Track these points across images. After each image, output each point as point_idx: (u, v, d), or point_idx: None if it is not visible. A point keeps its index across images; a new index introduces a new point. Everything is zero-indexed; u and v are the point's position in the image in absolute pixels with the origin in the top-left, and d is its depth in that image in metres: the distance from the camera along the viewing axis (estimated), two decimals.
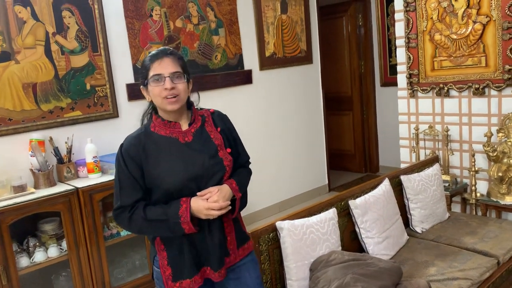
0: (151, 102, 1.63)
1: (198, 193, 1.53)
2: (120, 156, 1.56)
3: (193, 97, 1.68)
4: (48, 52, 2.99)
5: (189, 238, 1.56)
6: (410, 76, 3.60)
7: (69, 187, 2.82)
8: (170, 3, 3.62)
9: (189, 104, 1.65)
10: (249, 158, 1.79)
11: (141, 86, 1.60)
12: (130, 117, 3.42)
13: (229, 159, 1.61)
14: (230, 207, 1.56)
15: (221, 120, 1.69)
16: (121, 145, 1.58)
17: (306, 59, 4.73)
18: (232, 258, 1.64)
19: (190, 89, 1.62)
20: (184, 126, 1.60)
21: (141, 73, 1.58)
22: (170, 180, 1.52)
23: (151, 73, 1.52)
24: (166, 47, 1.62)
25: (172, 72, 1.51)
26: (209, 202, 1.50)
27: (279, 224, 2.05)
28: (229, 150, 1.63)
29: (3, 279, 2.51)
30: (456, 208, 3.45)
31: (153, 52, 1.57)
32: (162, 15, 3.58)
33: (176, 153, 1.55)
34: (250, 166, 1.82)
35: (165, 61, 1.52)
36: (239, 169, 1.71)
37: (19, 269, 2.62)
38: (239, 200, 1.61)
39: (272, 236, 2.06)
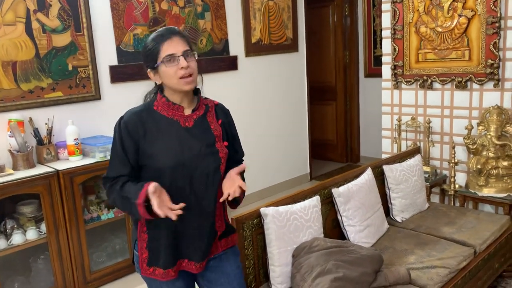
0: (157, 86, 1.60)
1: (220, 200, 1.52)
2: (117, 128, 1.55)
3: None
4: (29, 30, 2.90)
5: (169, 225, 1.51)
6: (394, 68, 3.63)
7: (49, 169, 2.76)
8: None
9: (195, 90, 1.62)
10: (244, 155, 1.79)
11: (149, 70, 1.56)
12: (113, 100, 3.36)
13: (224, 152, 1.61)
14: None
15: (223, 113, 1.68)
16: (121, 118, 1.56)
17: (292, 47, 4.72)
18: (214, 249, 1.64)
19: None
20: (187, 111, 1.59)
21: (147, 56, 1.53)
22: (164, 159, 1.51)
23: (163, 54, 1.49)
24: (170, 26, 1.59)
25: (184, 51, 1.50)
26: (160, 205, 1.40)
27: (263, 210, 2.05)
28: (226, 143, 1.63)
29: None
30: (435, 198, 3.52)
31: (158, 33, 1.53)
32: None
33: (175, 135, 1.54)
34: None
35: (174, 40, 1.50)
36: (234, 165, 1.66)
37: None
38: (241, 201, 1.64)
39: (256, 222, 2.06)
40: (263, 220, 2.05)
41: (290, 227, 2.09)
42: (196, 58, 1.56)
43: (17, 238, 2.68)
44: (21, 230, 2.72)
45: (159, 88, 1.61)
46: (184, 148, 1.52)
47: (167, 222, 1.47)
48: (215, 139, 1.59)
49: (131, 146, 1.52)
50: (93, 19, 3.22)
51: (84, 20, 3.14)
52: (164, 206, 1.40)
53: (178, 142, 1.53)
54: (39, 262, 2.86)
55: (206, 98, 1.68)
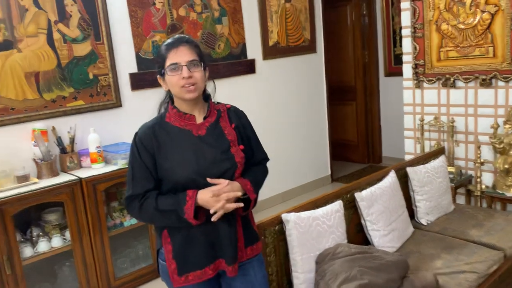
0: (168, 92, 1.61)
1: (208, 180, 1.50)
2: (134, 144, 1.56)
3: (209, 87, 1.66)
4: (50, 41, 2.95)
5: (200, 228, 1.54)
6: (415, 67, 3.56)
7: (72, 177, 2.80)
8: None
9: (205, 97, 1.62)
10: (266, 155, 1.76)
11: (158, 76, 1.58)
12: (134, 107, 3.39)
13: (241, 156, 1.59)
14: (242, 204, 1.53)
15: (236, 116, 1.66)
16: (136, 134, 1.58)
17: (309, 48, 4.68)
18: (239, 256, 1.62)
19: (207, 77, 1.60)
20: (199, 119, 1.59)
21: (157, 62, 1.57)
22: (180, 172, 1.51)
23: (167, 62, 1.51)
24: (182, 35, 1.60)
25: (189, 61, 1.51)
26: (216, 202, 1.48)
27: (285, 216, 2.03)
28: (241, 147, 1.61)
29: (7, 269, 2.51)
30: (461, 200, 3.43)
31: (169, 40, 1.56)
32: (165, 3, 3.53)
33: (188, 145, 1.54)
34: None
35: (181, 49, 1.51)
36: (254, 167, 1.68)
37: (23, 259, 2.62)
38: (254, 202, 1.60)
39: (278, 228, 2.04)
40: (285, 227, 2.03)
41: (312, 233, 2.06)
42: (203, 68, 1.55)
43: (42, 246, 2.72)
44: (47, 238, 2.76)
45: (170, 98, 1.62)
46: (199, 158, 1.52)
47: (197, 227, 1.51)
48: (230, 144, 1.58)
49: (150, 160, 1.53)
50: (112, 28, 3.25)
51: (103, 29, 3.17)
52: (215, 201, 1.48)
53: (192, 152, 1.52)
54: (65, 269, 2.90)
55: (218, 103, 1.67)
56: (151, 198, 1.52)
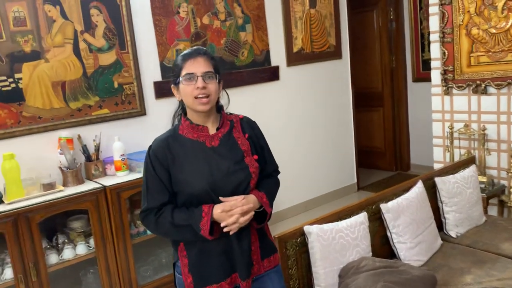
0: (181, 102, 1.61)
1: (222, 198, 1.49)
2: (148, 158, 1.56)
3: (223, 100, 1.65)
4: (76, 50, 3.00)
5: (216, 242, 1.53)
6: (444, 73, 3.45)
7: (97, 185, 2.83)
8: None
9: (218, 108, 1.62)
10: (277, 167, 1.75)
11: (172, 85, 1.59)
12: (158, 115, 3.41)
13: (255, 166, 1.57)
14: (253, 213, 1.51)
15: (249, 127, 1.65)
16: (150, 147, 1.58)
17: (335, 54, 4.62)
18: (256, 269, 1.59)
19: (220, 89, 1.60)
20: (212, 130, 1.58)
21: (173, 71, 1.58)
22: (194, 184, 1.50)
23: (183, 72, 1.51)
24: (200, 46, 1.61)
25: (204, 72, 1.51)
26: (229, 216, 1.47)
27: (307, 228, 1.98)
28: (255, 157, 1.60)
29: (32, 276, 2.55)
30: (493, 211, 3.30)
31: (186, 51, 1.57)
32: (189, 12, 3.55)
33: (202, 157, 1.53)
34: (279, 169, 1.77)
35: (198, 60, 1.52)
36: (266, 179, 1.67)
37: (48, 266, 2.65)
38: (270, 215, 1.58)
39: (300, 240, 2.00)
40: (307, 239, 1.98)
41: (336, 246, 2.01)
42: (217, 81, 1.55)
43: (67, 253, 2.75)
44: (72, 245, 2.80)
45: (183, 109, 1.62)
46: (212, 169, 1.51)
47: (213, 240, 1.50)
48: (243, 154, 1.56)
49: (164, 174, 1.52)
50: (137, 37, 3.29)
51: (128, 38, 3.21)
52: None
53: (206, 164, 1.51)
54: (89, 276, 2.93)
55: (230, 114, 1.66)
56: (167, 213, 1.51)
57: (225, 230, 1.47)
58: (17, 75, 2.78)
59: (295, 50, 4.26)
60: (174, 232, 1.52)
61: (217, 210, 1.47)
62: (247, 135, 1.62)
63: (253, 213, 1.51)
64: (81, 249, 2.80)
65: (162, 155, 1.52)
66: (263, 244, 1.62)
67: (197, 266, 1.55)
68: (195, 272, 1.55)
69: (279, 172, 1.76)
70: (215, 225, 1.49)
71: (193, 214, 1.48)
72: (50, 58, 2.90)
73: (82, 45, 3.02)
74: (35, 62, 2.84)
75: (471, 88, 3.33)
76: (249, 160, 1.56)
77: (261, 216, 1.57)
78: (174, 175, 1.52)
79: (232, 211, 1.47)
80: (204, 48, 1.59)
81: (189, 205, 1.52)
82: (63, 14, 2.93)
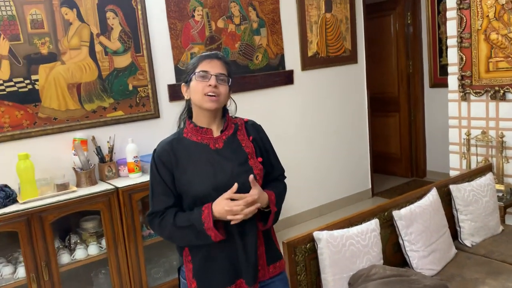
0: (187, 103, 1.62)
1: (235, 195, 1.46)
2: (152, 161, 1.56)
3: (230, 107, 1.66)
4: (92, 53, 3.04)
5: (221, 246, 1.51)
6: (462, 78, 3.39)
7: (109, 187, 2.85)
8: (212, 3, 3.59)
9: (223, 112, 1.62)
10: (283, 171, 1.73)
11: (183, 83, 1.60)
12: (171, 118, 3.39)
13: (259, 168, 1.56)
14: (259, 205, 1.48)
15: (254, 129, 1.65)
16: (154, 150, 1.59)
17: (350, 58, 4.58)
18: (261, 275, 1.57)
19: (229, 95, 1.61)
20: (216, 132, 1.58)
21: (186, 69, 1.59)
22: (198, 187, 1.50)
23: (198, 69, 1.53)
24: (217, 51, 1.62)
25: (219, 73, 1.53)
26: (232, 204, 1.44)
27: (317, 234, 1.96)
28: (260, 159, 1.59)
29: (44, 275, 2.58)
30: (510, 220, 3.21)
31: (203, 52, 1.60)
32: (204, 16, 3.56)
33: (206, 159, 1.52)
34: (288, 172, 1.75)
35: (214, 61, 1.54)
36: (274, 182, 1.65)
37: (60, 266, 2.68)
38: (273, 214, 1.55)
39: (309, 246, 1.97)
40: (317, 245, 1.96)
41: (346, 252, 1.98)
42: (229, 85, 1.56)
43: (79, 253, 2.77)
44: (84, 245, 2.82)
45: (189, 111, 1.62)
46: (216, 172, 1.50)
47: (211, 244, 1.48)
48: (247, 156, 1.56)
49: (169, 177, 1.52)
50: (152, 40, 3.31)
51: (143, 41, 3.24)
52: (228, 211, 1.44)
53: (210, 166, 1.51)
54: (100, 277, 2.95)
55: (235, 117, 1.66)
56: (169, 215, 1.51)
57: (228, 217, 1.43)
58: (33, 77, 2.82)
59: (310, 54, 4.24)
60: (177, 234, 1.51)
61: (218, 203, 1.45)
62: (252, 137, 1.61)
63: (258, 204, 1.47)
64: (93, 249, 2.82)
65: (167, 158, 1.53)
66: (269, 249, 1.61)
67: (202, 272, 1.53)
68: (199, 277, 1.54)
69: (285, 177, 1.74)
70: (218, 225, 1.47)
71: (193, 213, 1.48)
72: (66, 60, 2.94)
73: (98, 47, 3.06)
74: (52, 64, 2.88)
75: (489, 94, 3.26)
76: (253, 163, 1.55)
77: (267, 218, 1.55)
78: (178, 177, 1.52)
79: (238, 202, 1.44)
80: (220, 53, 1.61)
81: (193, 208, 1.51)
82: (80, 17, 2.97)
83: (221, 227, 1.49)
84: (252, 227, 1.52)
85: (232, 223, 1.45)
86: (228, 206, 1.43)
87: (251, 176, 1.47)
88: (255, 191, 1.47)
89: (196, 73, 1.52)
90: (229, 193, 1.45)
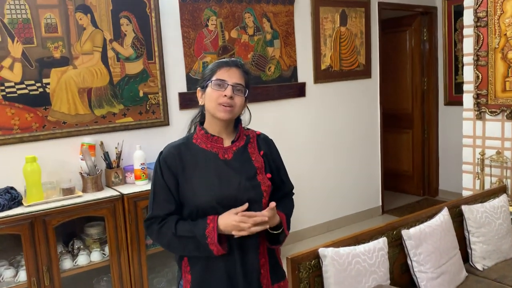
0: (201, 108, 1.58)
1: (234, 210, 1.42)
2: (157, 164, 1.51)
3: (245, 117, 1.61)
4: (104, 58, 3.04)
5: (219, 259, 1.46)
6: (477, 97, 3.32)
7: (115, 193, 2.83)
8: (227, 13, 3.59)
9: (236, 122, 1.57)
10: (293, 187, 1.68)
11: (198, 88, 1.56)
12: (181, 126, 3.35)
13: (267, 184, 1.51)
14: (267, 226, 1.44)
15: (265, 144, 1.60)
16: (160, 153, 1.54)
17: (364, 73, 4.54)
18: None
19: (245, 105, 1.56)
20: (227, 142, 1.53)
21: (203, 74, 1.55)
22: (202, 196, 1.44)
23: (215, 77, 1.48)
24: (237, 59, 1.58)
25: (236, 83, 1.48)
26: (241, 218, 1.39)
27: (322, 251, 1.90)
28: (269, 175, 1.53)
29: (46, 280, 2.55)
30: None
31: (223, 59, 1.55)
32: (218, 25, 3.56)
33: (213, 169, 1.47)
34: (297, 185, 1.71)
35: (233, 70, 1.50)
36: (284, 199, 1.60)
37: (62, 271, 2.65)
38: (285, 238, 1.52)
39: (314, 263, 1.92)
40: (322, 262, 1.90)
41: (351, 271, 1.91)
42: (244, 96, 1.51)
43: (82, 259, 2.74)
44: (87, 251, 2.79)
45: (201, 116, 1.58)
46: (222, 183, 1.45)
47: (211, 257, 1.43)
48: (256, 171, 1.50)
49: (172, 181, 1.47)
50: (165, 48, 3.31)
51: (156, 48, 3.24)
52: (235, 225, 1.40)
53: (216, 176, 1.46)
54: (102, 284, 2.91)
55: (248, 129, 1.61)
56: (170, 223, 1.46)
57: (233, 232, 1.39)
58: (45, 80, 2.83)
59: (323, 67, 4.20)
60: (177, 244, 1.46)
61: (226, 217, 1.41)
62: (262, 152, 1.56)
63: (267, 226, 1.43)
64: (96, 256, 2.79)
65: (173, 162, 1.48)
66: (273, 268, 1.55)
67: (200, 285, 1.49)
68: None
69: (293, 193, 1.69)
70: (221, 239, 1.43)
71: (197, 224, 1.43)
72: (78, 64, 2.94)
73: (110, 53, 3.06)
74: (64, 68, 2.89)
75: (505, 114, 3.18)
76: (261, 178, 1.50)
77: (274, 238, 1.50)
78: (182, 184, 1.47)
79: (245, 219, 1.39)
80: (241, 62, 1.56)
81: (194, 219, 1.46)
82: (94, 22, 2.98)
83: (225, 241, 1.44)
84: (253, 244, 1.47)
85: (235, 236, 1.41)
86: (236, 221, 1.39)
87: (273, 204, 1.43)
88: (268, 214, 1.42)
89: (213, 81, 1.47)
90: (239, 210, 1.41)
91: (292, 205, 1.65)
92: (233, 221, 1.39)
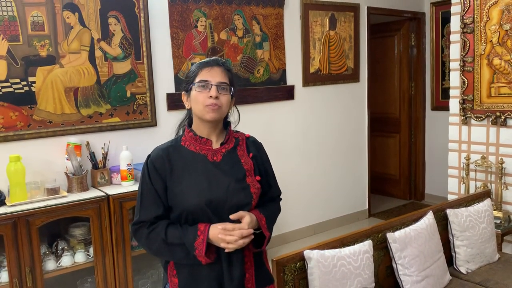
0: (188, 111, 1.56)
1: (231, 216, 1.42)
2: (145, 167, 1.49)
3: (233, 117, 1.60)
4: (92, 58, 3.02)
5: (207, 267, 1.45)
6: (463, 102, 3.36)
7: (100, 193, 2.80)
8: (216, 15, 3.59)
9: (225, 124, 1.56)
10: (280, 193, 1.67)
11: (183, 92, 1.54)
12: (169, 127, 3.34)
13: (256, 187, 1.49)
14: (251, 237, 1.43)
15: (254, 147, 1.59)
16: (148, 156, 1.51)
17: (352, 77, 4.57)
18: None
19: (232, 104, 1.55)
20: (216, 144, 1.52)
21: (186, 77, 1.53)
22: (190, 199, 1.42)
23: (198, 79, 1.46)
24: (218, 57, 1.56)
25: (219, 82, 1.46)
26: (227, 235, 1.38)
27: (307, 253, 1.90)
28: (258, 178, 1.52)
29: (28, 281, 2.51)
30: (508, 249, 3.15)
31: (204, 60, 1.53)
32: (207, 27, 3.55)
33: (202, 171, 1.46)
34: (284, 188, 1.70)
35: (215, 69, 1.47)
36: (269, 203, 1.59)
37: (45, 272, 2.62)
38: (267, 240, 1.50)
39: (299, 265, 1.91)
40: (307, 264, 1.90)
41: (336, 273, 1.92)
42: (230, 94, 1.50)
43: (66, 260, 2.71)
44: (71, 252, 2.76)
45: (189, 119, 1.56)
46: (211, 185, 1.43)
47: (203, 265, 1.42)
48: (245, 173, 1.49)
49: (160, 185, 1.45)
50: (153, 48, 3.30)
51: (144, 49, 3.22)
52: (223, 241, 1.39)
53: (205, 178, 1.44)
54: (86, 285, 2.88)
55: (237, 131, 1.60)
56: (160, 228, 1.43)
57: (222, 245, 1.39)
58: (31, 79, 2.80)
59: (312, 70, 4.22)
60: (166, 250, 1.44)
61: (217, 227, 1.40)
62: (252, 154, 1.55)
63: (252, 236, 1.43)
64: (80, 257, 2.76)
65: (160, 165, 1.46)
66: (259, 272, 1.53)
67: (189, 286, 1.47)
68: None
69: (281, 199, 1.68)
70: (210, 247, 1.42)
71: (187, 232, 1.41)
72: (65, 63, 2.91)
73: (97, 53, 3.04)
74: (50, 66, 2.86)
75: (490, 119, 3.23)
76: (250, 180, 1.49)
77: (257, 239, 1.49)
78: (170, 187, 1.45)
79: (233, 232, 1.39)
80: (223, 59, 1.54)
81: (183, 222, 1.45)
82: (81, 21, 2.96)
83: (213, 251, 1.43)
84: (239, 249, 1.45)
85: (226, 250, 1.40)
86: (222, 235, 1.38)
87: (238, 214, 1.43)
88: (247, 220, 1.41)
89: (196, 83, 1.45)
90: (224, 225, 1.40)
91: (276, 208, 1.63)
92: (219, 234, 1.39)
